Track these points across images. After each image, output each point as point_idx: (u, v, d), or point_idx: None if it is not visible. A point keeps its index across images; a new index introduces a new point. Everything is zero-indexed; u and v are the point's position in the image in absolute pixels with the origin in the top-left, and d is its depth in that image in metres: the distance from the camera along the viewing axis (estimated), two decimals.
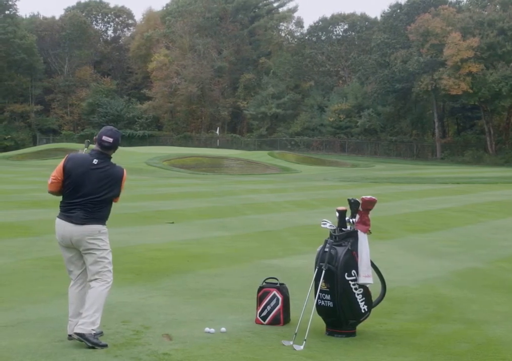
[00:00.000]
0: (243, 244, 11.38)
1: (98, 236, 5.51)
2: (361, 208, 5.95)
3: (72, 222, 5.47)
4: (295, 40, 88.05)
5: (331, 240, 5.91)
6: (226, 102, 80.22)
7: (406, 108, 70.56)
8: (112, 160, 5.65)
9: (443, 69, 59.35)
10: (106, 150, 5.56)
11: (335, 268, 5.74)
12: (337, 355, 5.29)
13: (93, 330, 5.34)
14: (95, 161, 5.51)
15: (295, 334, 5.59)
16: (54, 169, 5.58)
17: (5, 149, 68.98)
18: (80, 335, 5.32)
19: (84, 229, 5.45)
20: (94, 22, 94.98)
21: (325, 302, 5.81)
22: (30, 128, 79.55)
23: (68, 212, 5.51)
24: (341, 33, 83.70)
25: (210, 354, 5.21)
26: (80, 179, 5.46)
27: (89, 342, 5.28)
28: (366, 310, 5.88)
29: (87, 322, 5.34)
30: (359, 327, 5.96)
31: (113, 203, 5.69)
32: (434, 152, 67.38)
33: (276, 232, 13.14)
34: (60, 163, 5.58)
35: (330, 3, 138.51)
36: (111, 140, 5.54)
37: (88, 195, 5.46)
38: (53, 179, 5.54)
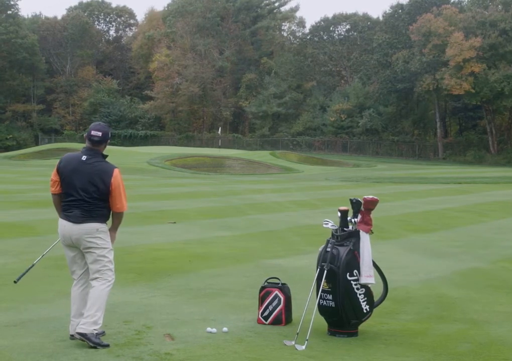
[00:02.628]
0: (245, 244, 11.39)
1: (97, 235, 5.50)
2: (363, 208, 5.94)
3: (70, 221, 5.51)
4: (297, 40, 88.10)
5: (333, 240, 5.91)
6: (228, 102, 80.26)
7: (408, 108, 70.57)
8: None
9: (445, 69, 59.34)
10: (96, 145, 5.56)
11: (337, 268, 5.74)
12: (338, 355, 5.29)
13: (95, 329, 5.35)
14: (84, 157, 5.54)
15: (297, 334, 5.59)
16: None
17: (7, 148, 69.10)
18: (82, 334, 5.32)
19: (81, 227, 5.47)
20: (96, 22, 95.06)
21: (326, 302, 5.81)
22: (32, 127, 79.64)
23: (67, 211, 5.56)
24: (342, 33, 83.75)
25: (211, 354, 5.22)
26: (71, 176, 5.51)
27: (90, 341, 5.29)
28: (368, 309, 5.88)
29: (89, 321, 5.34)
30: (361, 327, 5.95)
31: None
32: (436, 152, 67.37)
33: (278, 232, 13.14)
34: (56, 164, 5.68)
35: (331, 3, 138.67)
36: (100, 133, 5.54)
37: (80, 192, 5.47)
38: (51, 181, 5.64)
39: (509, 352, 5.44)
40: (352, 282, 5.76)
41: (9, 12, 78.80)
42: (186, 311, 6.58)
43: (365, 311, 5.85)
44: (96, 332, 5.36)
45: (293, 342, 5.50)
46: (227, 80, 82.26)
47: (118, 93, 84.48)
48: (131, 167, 38.11)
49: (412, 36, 62.92)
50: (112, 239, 5.71)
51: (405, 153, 68.45)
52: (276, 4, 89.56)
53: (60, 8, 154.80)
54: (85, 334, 5.31)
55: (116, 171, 5.52)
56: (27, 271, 5.92)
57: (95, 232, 5.49)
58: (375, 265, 6.01)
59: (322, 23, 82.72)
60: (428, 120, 71.39)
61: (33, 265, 5.94)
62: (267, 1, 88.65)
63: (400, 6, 71.59)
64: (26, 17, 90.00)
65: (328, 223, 6.05)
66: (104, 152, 5.68)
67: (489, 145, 63.89)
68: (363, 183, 31.28)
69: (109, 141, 5.68)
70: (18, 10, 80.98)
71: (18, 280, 5.94)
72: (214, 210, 17.29)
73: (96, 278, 5.51)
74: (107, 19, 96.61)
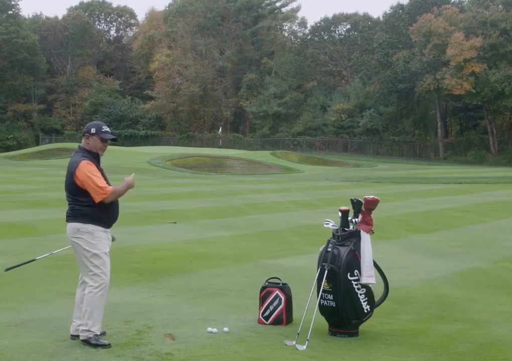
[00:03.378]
0: (245, 244, 11.38)
1: (78, 235, 5.36)
2: (363, 208, 5.94)
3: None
4: (298, 40, 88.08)
5: (334, 240, 5.91)
6: (229, 102, 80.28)
7: (409, 108, 70.58)
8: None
9: (446, 69, 59.33)
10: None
11: (338, 268, 5.74)
12: (339, 355, 5.29)
13: (90, 333, 5.34)
14: (73, 154, 5.60)
15: (298, 334, 5.59)
16: None
17: (8, 148, 69.16)
18: (83, 341, 5.37)
19: (68, 227, 5.48)
20: (96, 22, 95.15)
21: (327, 302, 5.80)
22: (33, 127, 79.68)
23: None
24: (343, 33, 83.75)
25: (212, 354, 5.21)
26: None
27: (90, 345, 5.30)
28: (369, 309, 5.88)
29: (83, 329, 5.37)
30: (362, 327, 5.95)
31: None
32: (437, 152, 67.35)
33: (279, 232, 13.14)
34: None
35: (332, 3, 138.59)
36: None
37: (65, 188, 5.50)
38: None
39: (509, 352, 5.43)
40: (352, 282, 5.76)
41: (10, 12, 78.85)
42: (187, 311, 6.58)
43: (365, 311, 5.85)
44: (93, 334, 5.33)
45: (294, 342, 5.50)
46: (228, 80, 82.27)
47: (119, 93, 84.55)
48: (131, 167, 38.00)
49: (412, 36, 62.88)
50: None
51: (406, 153, 68.44)
52: (277, 4, 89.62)
53: (61, 8, 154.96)
54: (83, 340, 5.36)
55: (81, 163, 5.30)
56: (23, 264, 5.91)
57: (76, 232, 5.38)
58: (375, 265, 6.00)
59: (322, 23, 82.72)
60: (429, 120, 71.37)
61: (33, 260, 5.92)
62: (268, 1, 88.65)
63: (400, 6, 71.59)
64: (27, 17, 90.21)
65: (328, 223, 6.05)
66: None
67: (490, 145, 63.87)
68: (363, 183, 31.27)
69: (87, 135, 5.44)
70: (19, 10, 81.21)
71: (8, 269, 5.93)
72: (214, 210, 17.29)
73: (86, 283, 5.43)
74: (108, 19, 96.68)
